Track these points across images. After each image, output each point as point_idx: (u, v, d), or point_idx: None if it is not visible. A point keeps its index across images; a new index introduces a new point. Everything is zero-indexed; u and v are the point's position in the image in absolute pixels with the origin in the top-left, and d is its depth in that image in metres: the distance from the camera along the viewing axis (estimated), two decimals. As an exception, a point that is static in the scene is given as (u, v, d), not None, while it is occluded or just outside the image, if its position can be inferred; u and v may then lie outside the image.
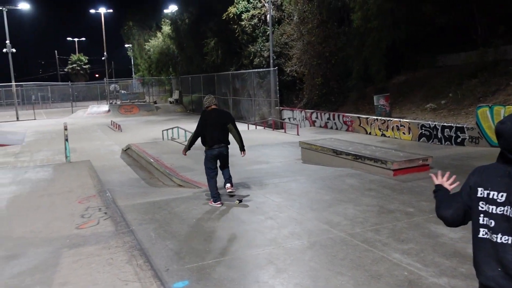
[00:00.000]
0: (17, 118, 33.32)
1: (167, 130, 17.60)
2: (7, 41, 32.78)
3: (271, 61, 21.51)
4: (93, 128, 24.44)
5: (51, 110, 42.43)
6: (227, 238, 5.19)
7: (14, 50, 33.49)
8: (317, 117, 18.52)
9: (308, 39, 19.72)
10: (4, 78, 48.58)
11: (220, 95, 27.79)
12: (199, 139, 6.85)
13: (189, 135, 15.04)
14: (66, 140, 9.15)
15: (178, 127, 16.10)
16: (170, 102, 37.53)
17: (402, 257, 4.27)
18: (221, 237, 5.23)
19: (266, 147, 13.09)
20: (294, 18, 21.07)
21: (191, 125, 19.65)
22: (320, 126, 18.19)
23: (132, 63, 56.75)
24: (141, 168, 12.96)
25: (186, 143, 14.73)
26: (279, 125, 19.23)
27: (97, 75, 79.69)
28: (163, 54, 35.90)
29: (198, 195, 7.35)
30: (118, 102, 38.13)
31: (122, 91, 44.56)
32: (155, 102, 37.58)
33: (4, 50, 33.35)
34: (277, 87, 21.18)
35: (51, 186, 6.87)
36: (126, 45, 56.37)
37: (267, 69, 22.33)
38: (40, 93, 48.10)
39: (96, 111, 34.40)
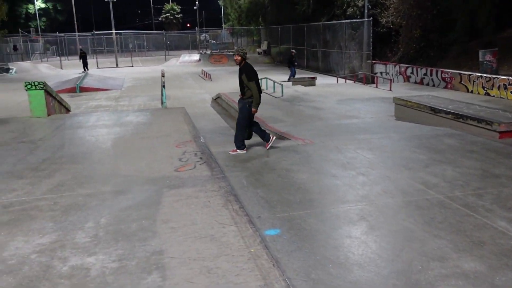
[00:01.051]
0: (117, 64, 35.51)
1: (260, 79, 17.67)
2: (108, -10, 34.48)
3: (366, 11, 20.40)
4: (185, 77, 25.32)
5: (146, 58, 44.58)
6: (317, 191, 5.17)
7: (114, -1, 35.17)
8: (412, 72, 17.45)
9: (409, -13, 18.28)
10: (105, 26, 51.57)
11: (310, 47, 27.15)
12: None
13: (278, 86, 15.01)
14: (163, 86, 9.55)
15: (267, 78, 16.10)
16: (258, 53, 37.48)
17: (509, 226, 3.96)
18: (312, 190, 5.22)
19: (356, 102, 12.68)
20: (395, -36, 19.56)
21: (279, 76, 19.60)
22: (415, 82, 17.15)
23: (222, 13, 57.08)
24: (230, 117, 13.25)
25: (274, 94, 14.77)
26: (370, 80, 18.45)
27: (188, 25, 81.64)
28: (253, 4, 35.57)
29: (288, 146, 7.37)
30: (208, 52, 38.90)
31: (212, 41, 45.28)
32: (243, 53, 37.75)
33: (106, -1, 35.18)
34: (371, 39, 20.15)
35: (150, 130, 7.27)
36: (217, -6, 56.60)
37: (360, 19, 21.25)
38: (136, 41, 50.58)
39: (187, 60, 35.49)
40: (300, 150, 7.15)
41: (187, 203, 3.95)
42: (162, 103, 10.22)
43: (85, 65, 30.63)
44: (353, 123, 9.72)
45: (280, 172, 6.04)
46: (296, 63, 20.75)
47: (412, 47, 19.03)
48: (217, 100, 15.57)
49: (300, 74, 21.62)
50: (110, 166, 5.30)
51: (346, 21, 22.55)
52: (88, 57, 32.09)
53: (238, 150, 6.77)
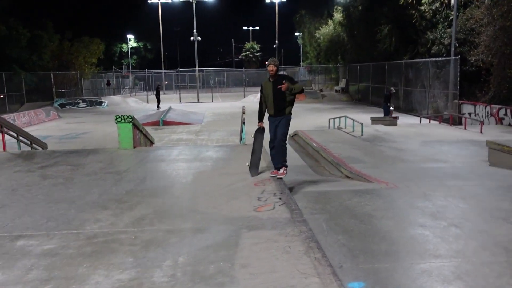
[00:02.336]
0: (198, 100, 37.05)
1: (333, 118, 17.41)
2: (194, 31, 36.50)
3: (453, 49, 19.54)
4: (262, 113, 25.63)
5: (226, 93, 46.11)
6: (404, 241, 4.76)
7: (199, 38, 37.13)
8: (505, 114, 16.22)
9: (502, 24, 17.24)
10: (189, 63, 54.40)
11: (390, 85, 26.43)
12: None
13: (357, 125, 14.60)
14: (243, 123, 9.62)
15: (346, 117, 15.78)
16: (336, 91, 37.27)
17: None
18: (398, 240, 4.82)
19: (443, 144, 11.92)
20: (485, 1, 18.63)
21: (358, 115, 19.14)
22: (509, 125, 15.87)
23: (301, 51, 57.98)
24: (308, 155, 13.05)
25: (353, 133, 14.36)
26: (456, 121, 17.40)
27: (266, 63, 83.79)
28: (333, 42, 35.70)
29: (370, 189, 6.99)
30: (286, 89, 39.31)
31: (290, 78, 45.76)
32: (321, 90, 37.74)
33: (191, 38, 37.24)
34: (458, 79, 19.14)
35: (229, 166, 7.27)
36: (296, 33, 57.80)
37: (447, 58, 20.37)
38: (217, 77, 52.73)
39: (265, 97, 35.98)
40: (384, 195, 6.74)
41: (267, 247, 3.77)
42: (241, 139, 10.29)
43: (158, 101, 30.65)
44: (440, 167, 9.08)
45: (363, 217, 5.69)
46: (389, 103, 19.49)
47: (505, 87, 17.73)
48: (294, 138, 15.47)
49: (381, 114, 21.01)
50: (190, 202, 5.29)
51: (431, 59, 21.72)
52: (172, 92, 33.77)
53: (285, 171, 6.41)
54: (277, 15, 48.96)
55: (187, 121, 21.85)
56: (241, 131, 10.11)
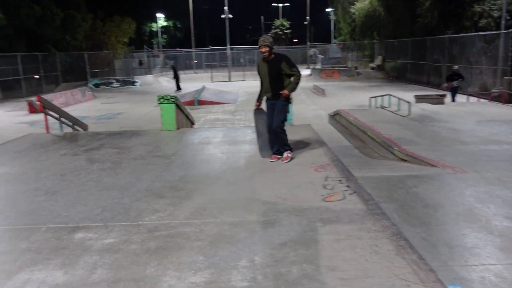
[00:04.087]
0: (229, 78, 36.57)
1: (375, 97, 16.67)
2: (225, 8, 35.79)
3: (503, 22, 18.28)
4: (297, 92, 24.99)
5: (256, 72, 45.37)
6: (493, 236, 4.24)
7: (230, 16, 36.42)
8: None
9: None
10: (218, 42, 53.81)
11: (431, 62, 25.27)
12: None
13: (402, 104, 13.86)
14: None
15: (390, 95, 15.02)
16: (372, 68, 36.04)
17: None
18: (486, 234, 4.30)
19: (501, 124, 11.12)
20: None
21: (398, 93, 18.28)
22: None
23: (332, 28, 56.39)
24: (352, 135, 12.47)
25: (399, 112, 13.65)
26: (507, 98, 16.35)
27: (295, 40, 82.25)
28: (369, 17, 34.28)
29: (436, 175, 6.44)
30: (319, 67, 38.42)
31: (321, 56, 44.78)
32: (355, 68, 36.62)
33: (222, 16, 36.56)
34: (509, 54, 17.97)
35: (281, 149, 6.83)
36: (328, 10, 56.11)
37: (496, 31, 19.11)
38: (247, 56, 51.97)
39: (298, 75, 35.22)
40: (453, 181, 6.18)
41: (351, 245, 3.34)
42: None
43: (177, 81, 28.56)
44: (505, 149, 8.38)
45: (436, 207, 5.18)
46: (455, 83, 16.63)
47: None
48: (335, 117, 14.86)
49: (423, 91, 20.07)
50: (248, 189, 4.90)
51: (478, 33, 20.46)
52: (202, 71, 33.18)
53: (290, 155, 5.96)
54: (308, -10, 47.48)
55: (221, 101, 21.47)
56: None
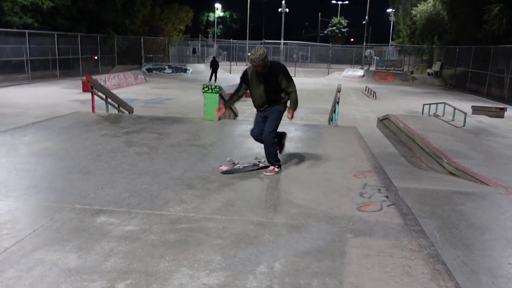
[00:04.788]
0: (280, 73, 36.28)
1: (429, 104, 15.90)
2: (283, 1, 35.49)
3: None
4: (347, 92, 24.41)
5: (308, 69, 44.89)
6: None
7: (287, 10, 36.09)
8: None
9: None
10: (273, 36, 53.61)
11: (495, 72, 23.86)
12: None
13: (458, 114, 13.10)
14: (337, 102, 8.79)
15: (445, 103, 14.26)
16: (428, 74, 34.63)
17: None
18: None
19: None
20: None
21: (455, 103, 17.38)
22: None
23: (391, 29, 54.71)
24: (400, 142, 11.95)
25: (453, 122, 12.92)
26: None
27: (352, 39, 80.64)
28: (430, 21, 32.88)
29: (486, 194, 5.95)
30: (373, 68, 37.38)
31: (376, 57, 43.59)
32: (411, 72, 35.32)
33: (279, 10, 36.30)
34: None
35: (322, 150, 6.56)
36: (388, 10, 54.46)
37: None
38: (300, 52, 51.43)
39: (350, 75, 34.54)
40: (504, 202, 5.69)
41: (380, 263, 3.06)
42: (331, 119, 9.50)
43: (213, 74, 28.30)
44: None
45: (483, 229, 4.75)
46: None
47: None
48: (384, 122, 14.31)
49: (482, 103, 18.98)
50: (281, 189, 4.69)
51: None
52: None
53: (276, 169, 5.22)
54: (370, -11, 46.22)
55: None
56: (334, 111, 9.30)
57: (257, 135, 5.34)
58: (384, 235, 3.56)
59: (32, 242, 3.18)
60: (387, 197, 4.48)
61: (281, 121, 5.25)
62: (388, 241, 3.43)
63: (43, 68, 25.27)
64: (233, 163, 5.25)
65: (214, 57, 30.63)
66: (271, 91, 5.09)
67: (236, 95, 5.42)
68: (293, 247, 3.27)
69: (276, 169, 5.24)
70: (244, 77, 5.21)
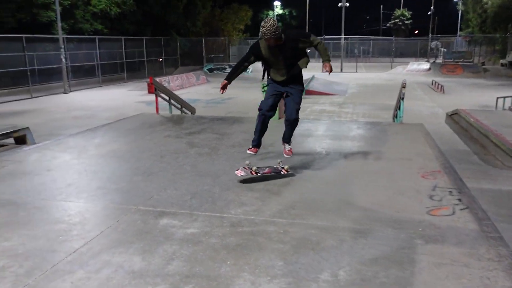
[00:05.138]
0: (341, 69, 35.63)
1: (504, 97, 14.84)
2: (343, -5, 34.77)
3: None
4: (412, 86, 23.40)
5: (371, 64, 43.62)
6: None
7: (347, 4, 35.28)
8: None
9: None
10: (332, 31, 52.69)
11: None
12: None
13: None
14: (402, 99, 8.41)
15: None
16: (502, 65, 32.40)
17: None
18: None
19: None
20: None
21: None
22: None
23: (459, 19, 51.86)
24: (471, 139, 11.22)
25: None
26: None
27: (416, 31, 77.34)
28: (503, 8, 30.76)
29: None
30: (440, 61, 35.65)
31: (444, 49, 41.48)
32: (482, 63, 33.24)
33: (339, 4, 35.57)
34: None
35: (386, 149, 6.29)
36: (456, -1, 51.71)
37: None
38: (362, 47, 50.14)
39: (415, 69, 33.14)
40: None
41: (455, 274, 2.83)
42: (396, 116, 9.11)
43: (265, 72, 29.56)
44: None
45: None
46: None
47: None
48: (454, 117, 13.51)
49: None
50: (345, 191, 4.52)
51: None
52: (314, 60, 32.73)
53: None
54: (435, -22, 44.04)
55: (330, 92, 20.93)
56: (398, 107, 8.91)
57: (269, 108, 5.02)
58: (458, 242, 3.30)
59: (100, 243, 3.29)
60: (460, 200, 4.18)
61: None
62: (463, 249, 3.18)
63: (112, 72, 26.57)
64: (251, 169, 4.81)
65: None
66: (290, 63, 4.77)
67: (240, 67, 5.03)
68: (358, 254, 3.12)
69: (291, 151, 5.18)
70: (255, 50, 4.79)
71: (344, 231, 3.51)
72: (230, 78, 5.04)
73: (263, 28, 4.45)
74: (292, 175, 5.02)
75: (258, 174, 4.85)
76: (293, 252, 3.15)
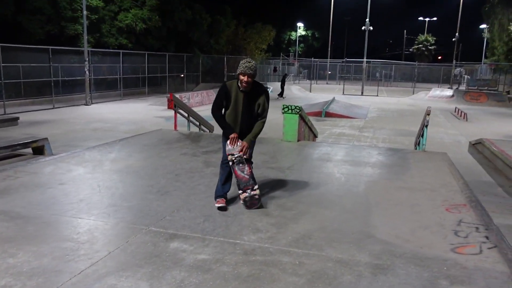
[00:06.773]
0: (362, 92, 35.38)
1: (530, 129, 14.39)
2: (367, 19, 34.72)
3: None
4: (435, 113, 22.99)
5: (392, 88, 43.31)
6: None
7: (371, 28, 35.23)
8: None
9: None
10: (354, 54, 52.60)
11: None
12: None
13: None
14: (426, 126, 8.17)
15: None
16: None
17: None
18: None
19: None
20: None
21: None
22: None
23: (484, 46, 51.28)
24: (496, 170, 10.85)
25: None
26: None
27: (439, 57, 76.74)
28: (531, 37, 30.28)
29: None
30: (463, 88, 35.14)
31: (467, 76, 40.94)
32: (508, 92, 32.60)
33: (363, 28, 35.54)
34: None
35: (409, 178, 6.06)
36: (482, 26, 51.18)
37: None
38: (384, 70, 49.89)
39: (438, 95, 32.71)
40: None
41: (484, 322, 2.60)
42: (418, 144, 8.86)
43: (282, 90, 30.37)
44: None
45: None
46: None
47: None
48: (477, 146, 13.16)
49: None
50: (365, 222, 4.31)
51: None
52: (335, 82, 32.82)
53: None
54: (461, 4, 43.63)
55: (350, 115, 20.69)
56: (421, 135, 8.66)
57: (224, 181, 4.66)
58: (486, 285, 3.07)
59: (107, 265, 3.15)
60: (487, 237, 3.93)
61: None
62: (491, 293, 2.95)
63: (134, 86, 26.87)
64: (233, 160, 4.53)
65: (285, 74, 34.11)
66: (251, 113, 4.49)
67: (223, 117, 4.55)
68: (378, 292, 2.92)
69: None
70: (222, 91, 4.45)
71: (363, 266, 3.31)
72: (231, 128, 4.55)
73: (249, 63, 4.32)
74: (250, 161, 4.67)
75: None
76: (308, 287, 2.96)
